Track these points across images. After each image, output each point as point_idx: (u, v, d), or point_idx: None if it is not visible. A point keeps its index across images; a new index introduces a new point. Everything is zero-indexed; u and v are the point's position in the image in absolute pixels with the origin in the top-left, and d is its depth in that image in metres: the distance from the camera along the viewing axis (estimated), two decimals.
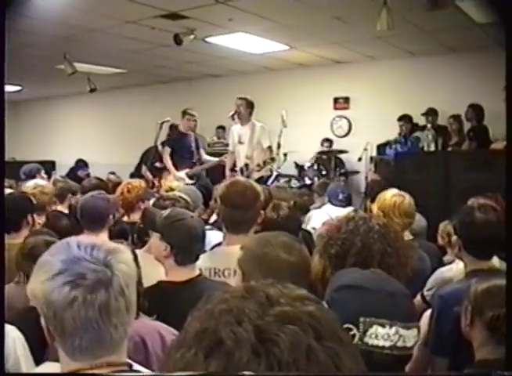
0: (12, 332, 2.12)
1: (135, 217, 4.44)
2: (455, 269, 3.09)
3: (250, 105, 7.43)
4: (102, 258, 1.35)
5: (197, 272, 2.73)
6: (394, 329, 1.42)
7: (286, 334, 0.69)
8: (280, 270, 1.99)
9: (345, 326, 1.37)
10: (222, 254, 2.93)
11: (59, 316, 1.30)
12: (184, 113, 8.05)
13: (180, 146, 8.01)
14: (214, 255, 2.96)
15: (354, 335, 1.39)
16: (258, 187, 3.12)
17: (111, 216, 3.92)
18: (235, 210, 2.91)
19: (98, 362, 1.36)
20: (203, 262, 2.84)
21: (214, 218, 4.82)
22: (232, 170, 7.66)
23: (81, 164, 12.35)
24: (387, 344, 1.41)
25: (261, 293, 0.77)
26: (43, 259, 1.36)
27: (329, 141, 10.44)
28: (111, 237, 3.76)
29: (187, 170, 7.90)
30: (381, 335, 1.40)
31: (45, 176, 6.82)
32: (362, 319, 1.41)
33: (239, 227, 2.96)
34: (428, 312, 2.59)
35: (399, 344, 1.42)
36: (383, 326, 1.41)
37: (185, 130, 8.04)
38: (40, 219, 4.41)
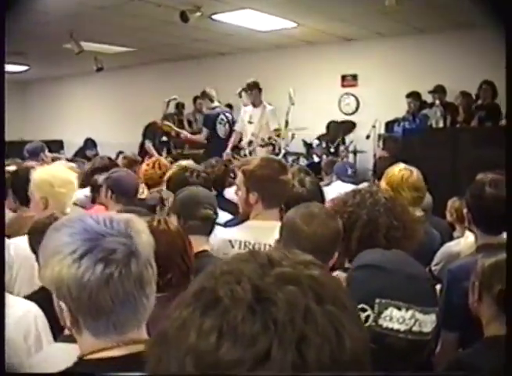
0: (32, 308, 2.11)
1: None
2: (463, 243, 3.08)
3: (259, 89, 7.60)
4: (124, 229, 1.31)
5: (205, 247, 2.75)
6: (410, 312, 1.36)
7: (285, 293, 0.68)
8: (300, 241, 1.99)
9: (360, 306, 1.32)
10: (256, 229, 2.92)
11: (94, 297, 1.25)
12: None
13: None
14: (246, 229, 2.94)
15: (368, 316, 1.34)
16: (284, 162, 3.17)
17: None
18: (271, 184, 2.89)
19: (124, 339, 1.33)
20: (233, 235, 2.91)
21: None
22: (235, 148, 7.73)
23: (90, 143, 12.33)
24: (402, 327, 1.35)
25: (263, 255, 0.77)
26: (60, 242, 1.29)
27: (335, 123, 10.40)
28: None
29: None
30: (396, 318, 1.35)
31: (48, 154, 6.85)
32: (377, 301, 1.36)
33: (274, 201, 2.96)
34: (437, 287, 2.58)
35: (415, 328, 1.36)
36: (399, 308, 1.35)
37: None
38: None
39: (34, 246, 2.36)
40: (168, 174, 4.08)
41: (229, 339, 0.65)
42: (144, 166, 4.92)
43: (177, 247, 2.20)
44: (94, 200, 4.49)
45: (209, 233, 2.84)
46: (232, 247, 2.85)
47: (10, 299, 2.12)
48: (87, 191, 4.54)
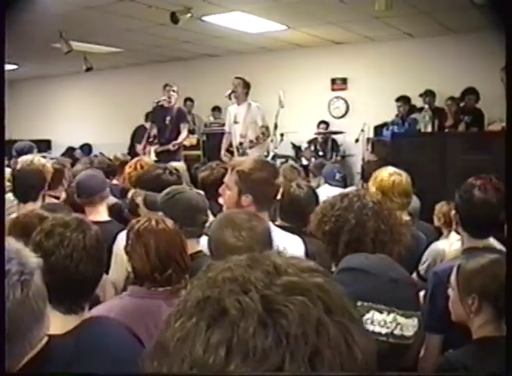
0: None
1: None
2: (448, 243, 3.08)
3: (246, 85, 7.41)
4: (12, 250, 1.32)
5: (199, 248, 2.78)
6: (392, 316, 1.37)
7: (295, 305, 0.65)
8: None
9: None
10: None
11: (16, 320, 1.26)
12: (164, 86, 7.98)
13: (159, 120, 7.88)
14: None
15: None
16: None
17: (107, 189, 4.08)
18: (266, 187, 2.85)
19: (36, 340, 1.36)
20: None
21: None
22: (228, 150, 7.62)
23: (86, 148, 12.32)
24: (384, 331, 1.37)
25: (268, 262, 0.73)
26: None
27: (325, 123, 10.44)
28: (111, 215, 3.93)
29: (156, 147, 7.74)
30: (378, 321, 1.36)
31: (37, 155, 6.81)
32: (359, 304, 1.36)
33: (267, 204, 2.93)
34: (423, 292, 2.57)
35: (396, 332, 1.38)
36: (380, 312, 1.37)
37: (165, 104, 7.85)
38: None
39: None
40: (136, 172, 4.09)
41: (239, 354, 0.62)
42: (126, 169, 4.88)
43: (176, 245, 2.27)
44: None
45: (201, 235, 2.86)
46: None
47: None
48: None
